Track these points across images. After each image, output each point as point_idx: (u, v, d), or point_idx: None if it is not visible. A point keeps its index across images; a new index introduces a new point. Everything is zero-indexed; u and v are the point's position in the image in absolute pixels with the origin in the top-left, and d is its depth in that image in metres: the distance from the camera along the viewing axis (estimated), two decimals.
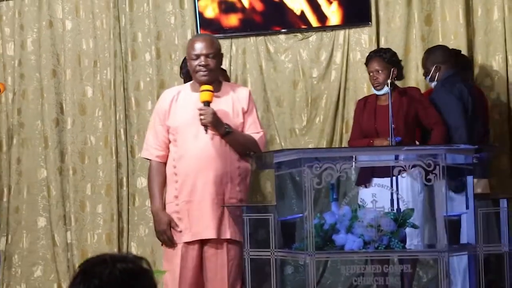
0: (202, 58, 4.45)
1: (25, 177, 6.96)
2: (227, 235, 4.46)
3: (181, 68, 5.96)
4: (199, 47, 4.46)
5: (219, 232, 4.44)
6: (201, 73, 4.46)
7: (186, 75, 5.82)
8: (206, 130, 4.38)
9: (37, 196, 6.94)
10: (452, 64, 5.81)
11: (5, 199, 6.95)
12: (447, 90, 5.62)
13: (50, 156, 6.89)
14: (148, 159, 4.63)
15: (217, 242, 4.46)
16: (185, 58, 5.92)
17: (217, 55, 4.52)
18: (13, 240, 6.94)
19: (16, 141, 6.97)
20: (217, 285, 4.48)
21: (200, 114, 4.37)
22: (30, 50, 6.98)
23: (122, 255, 2.10)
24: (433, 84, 5.79)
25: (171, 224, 4.48)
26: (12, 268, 6.92)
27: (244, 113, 4.55)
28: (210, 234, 4.43)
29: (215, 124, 4.38)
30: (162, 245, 4.62)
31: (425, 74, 5.89)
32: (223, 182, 4.45)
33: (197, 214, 4.43)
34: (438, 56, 5.82)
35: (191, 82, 4.65)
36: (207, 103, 4.39)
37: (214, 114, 4.37)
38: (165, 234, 4.49)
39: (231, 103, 4.53)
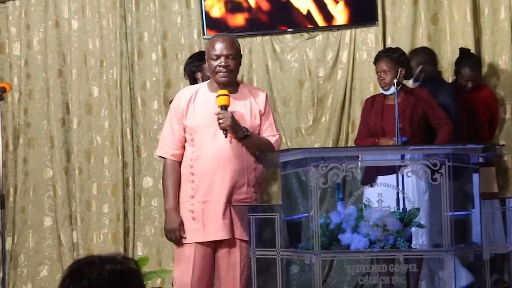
0: (223, 58, 4.41)
1: (31, 177, 6.97)
2: (239, 234, 4.44)
3: (184, 69, 5.96)
4: (220, 47, 4.43)
5: (233, 233, 4.43)
6: (221, 73, 4.42)
7: (190, 76, 5.82)
8: (225, 134, 4.35)
9: (43, 195, 6.94)
10: (436, 66, 5.89)
11: (11, 199, 6.96)
12: (444, 90, 5.66)
13: (56, 156, 6.90)
14: (163, 157, 4.62)
15: (230, 241, 4.45)
16: (188, 59, 5.93)
17: (237, 56, 4.50)
18: (19, 240, 6.94)
19: (22, 141, 6.98)
20: (229, 283, 4.47)
21: (219, 118, 4.36)
22: (36, 49, 6.99)
23: (111, 256, 2.10)
24: (416, 84, 5.85)
25: (181, 227, 4.47)
26: (18, 267, 6.93)
27: (261, 115, 4.54)
28: (224, 235, 4.41)
29: (233, 127, 4.36)
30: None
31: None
32: (239, 183, 4.43)
33: (212, 214, 4.41)
34: (423, 57, 5.91)
35: (208, 81, 4.62)
36: (224, 107, 4.38)
37: (233, 118, 4.35)
38: (174, 234, 4.46)
39: (248, 105, 4.52)
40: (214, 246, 4.48)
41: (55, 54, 6.95)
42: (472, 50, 6.21)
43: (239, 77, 6.51)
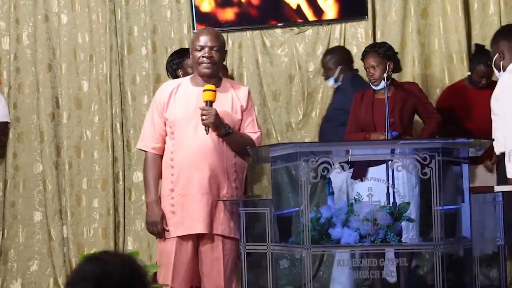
0: (206, 49, 4.42)
1: (21, 171, 6.95)
2: (220, 230, 4.44)
3: (166, 68, 5.93)
4: (204, 39, 4.44)
5: (212, 227, 4.43)
6: (204, 64, 4.43)
7: (172, 74, 5.81)
8: (207, 131, 4.35)
9: (33, 190, 6.92)
10: (352, 64, 6.08)
11: (0, 194, 6.93)
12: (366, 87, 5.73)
13: (46, 151, 6.88)
14: (144, 150, 4.61)
15: (213, 236, 4.45)
16: (168, 57, 5.92)
17: (221, 50, 4.50)
18: (9, 235, 6.92)
19: (12, 136, 6.95)
20: (213, 279, 4.47)
21: (202, 114, 4.36)
22: (26, 44, 6.96)
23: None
24: (336, 84, 5.97)
25: (163, 220, 4.47)
26: (8, 262, 6.91)
27: (243, 111, 4.54)
28: (203, 229, 4.41)
29: (216, 125, 4.36)
30: (156, 238, 4.61)
31: (326, 74, 6.09)
32: (219, 177, 4.43)
33: (191, 208, 4.41)
34: (340, 57, 6.07)
35: (191, 75, 4.63)
36: (209, 103, 4.37)
37: (217, 115, 4.35)
38: (156, 227, 4.47)
39: (230, 100, 4.52)
40: (196, 241, 4.48)
41: (45, 49, 6.92)
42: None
43: (229, 72, 6.54)
